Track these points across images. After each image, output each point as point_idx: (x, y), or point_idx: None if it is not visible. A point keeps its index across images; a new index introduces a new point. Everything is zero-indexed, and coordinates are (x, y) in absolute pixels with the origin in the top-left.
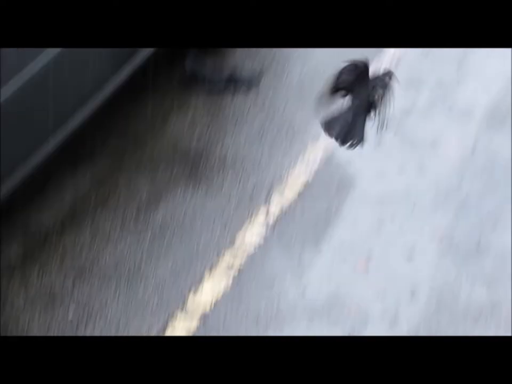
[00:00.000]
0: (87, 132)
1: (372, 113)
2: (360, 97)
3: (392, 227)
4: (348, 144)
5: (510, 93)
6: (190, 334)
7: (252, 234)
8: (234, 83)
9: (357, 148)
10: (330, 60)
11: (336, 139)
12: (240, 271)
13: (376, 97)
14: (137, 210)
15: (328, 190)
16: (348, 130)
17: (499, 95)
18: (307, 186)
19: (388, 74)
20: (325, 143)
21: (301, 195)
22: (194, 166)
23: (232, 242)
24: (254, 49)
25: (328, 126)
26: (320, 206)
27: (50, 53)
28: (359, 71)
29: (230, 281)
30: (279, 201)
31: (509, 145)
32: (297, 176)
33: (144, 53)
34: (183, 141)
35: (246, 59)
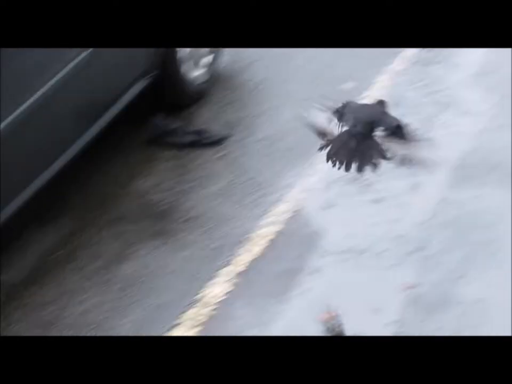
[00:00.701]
0: (53, 188)
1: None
2: (359, 124)
3: (359, 279)
4: (357, 169)
5: (476, 148)
6: None
7: (218, 288)
8: (200, 144)
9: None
10: (297, 118)
11: (346, 167)
12: (205, 324)
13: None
14: (103, 266)
15: (294, 243)
16: (354, 156)
17: (466, 149)
18: (273, 240)
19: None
20: (292, 198)
21: (267, 249)
22: (161, 222)
23: (197, 296)
24: (220, 110)
25: (336, 157)
26: (287, 259)
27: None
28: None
29: (196, 335)
30: (245, 256)
31: (475, 199)
32: (264, 231)
33: (111, 112)
34: (149, 197)
35: (212, 120)
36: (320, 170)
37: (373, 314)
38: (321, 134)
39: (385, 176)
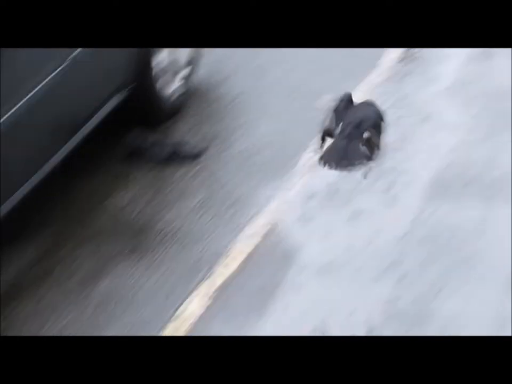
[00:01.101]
0: (29, 206)
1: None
2: (350, 124)
3: (338, 293)
4: (346, 167)
5: (454, 161)
6: None
7: (195, 305)
8: (177, 158)
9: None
10: (274, 132)
11: (336, 167)
12: None
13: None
14: (80, 282)
15: (272, 259)
16: (344, 155)
17: (443, 163)
18: (251, 257)
19: (368, 102)
20: (269, 213)
21: (245, 264)
22: (138, 237)
23: (176, 311)
24: (197, 124)
25: (327, 158)
26: (265, 274)
27: None
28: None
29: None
30: (222, 272)
31: (452, 214)
32: (242, 245)
33: (88, 127)
34: (125, 215)
35: (189, 134)
36: (298, 184)
37: (353, 328)
38: (327, 133)
39: (362, 190)
